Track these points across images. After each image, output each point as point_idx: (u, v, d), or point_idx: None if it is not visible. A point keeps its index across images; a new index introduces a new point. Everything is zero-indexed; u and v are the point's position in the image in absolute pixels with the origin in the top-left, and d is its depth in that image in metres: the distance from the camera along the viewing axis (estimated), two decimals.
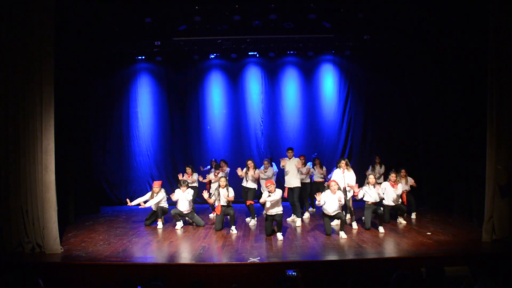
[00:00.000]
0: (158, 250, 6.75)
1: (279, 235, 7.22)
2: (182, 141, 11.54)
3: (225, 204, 7.86)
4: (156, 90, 11.62)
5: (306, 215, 9.07)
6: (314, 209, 9.75)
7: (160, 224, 8.39)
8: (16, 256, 6.36)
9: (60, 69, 7.62)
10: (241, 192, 8.88)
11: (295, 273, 4.22)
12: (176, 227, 8.21)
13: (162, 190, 8.56)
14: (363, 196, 7.87)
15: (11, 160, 6.51)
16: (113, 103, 11.54)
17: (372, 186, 7.80)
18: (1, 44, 6.50)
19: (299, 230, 7.97)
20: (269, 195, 7.18)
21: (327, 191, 7.41)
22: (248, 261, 5.89)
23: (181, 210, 8.30)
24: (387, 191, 8.11)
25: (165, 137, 11.57)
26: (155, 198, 8.35)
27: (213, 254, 6.46)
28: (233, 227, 7.79)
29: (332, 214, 7.41)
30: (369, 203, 7.81)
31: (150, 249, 6.84)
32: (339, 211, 7.42)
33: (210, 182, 9.52)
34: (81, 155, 9.84)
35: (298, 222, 8.34)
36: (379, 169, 9.94)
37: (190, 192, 8.33)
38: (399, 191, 8.14)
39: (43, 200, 6.53)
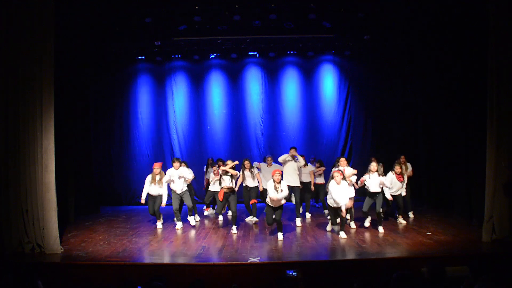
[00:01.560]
0: (158, 250, 6.75)
1: (279, 235, 7.21)
2: (182, 141, 11.53)
3: (228, 188, 7.83)
4: (156, 90, 11.61)
5: (307, 215, 9.06)
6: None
7: (159, 224, 8.39)
8: (16, 256, 6.36)
9: (60, 69, 7.62)
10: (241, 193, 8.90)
11: (295, 273, 4.22)
12: (176, 227, 8.21)
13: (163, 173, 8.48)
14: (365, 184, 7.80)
15: (11, 160, 6.51)
16: (113, 103, 11.54)
17: (374, 175, 7.68)
18: (1, 44, 6.50)
19: (299, 230, 7.97)
20: (275, 187, 7.04)
21: (332, 182, 7.31)
22: (248, 261, 5.89)
23: (175, 189, 8.23)
24: (393, 183, 8.00)
25: (165, 137, 11.56)
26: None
27: (213, 254, 6.46)
28: (234, 227, 7.78)
29: (337, 206, 7.25)
30: (370, 191, 7.73)
31: (150, 249, 6.84)
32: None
33: (208, 181, 9.45)
34: (81, 155, 9.84)
35: (298, 222, 8.34)
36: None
37: (185, 170, 8.26)
38: (405, 182, 8.20)
39: (43, 200, 6.53)
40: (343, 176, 7.34)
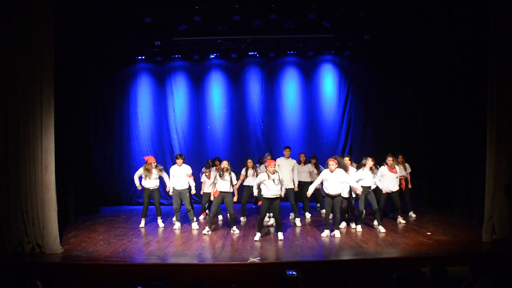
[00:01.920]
0: (158, 250, 6.75)
1: (280, 235, 7.20)
2: (182, 141, 11.53)
3: (225, 190, 7.69)
4: (156, 90, 11.61)
5: (307, 215, 9.05)
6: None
7: (161, 223, 8.40)
8: (16, 256, 6.36)
9: (60, 69, 7.62)
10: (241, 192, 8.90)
11: (295, 273, 4.21)
12: (174, 227, 8.21)
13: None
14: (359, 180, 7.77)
15: (11, 160, 6.50)
16: (113, 103, 11.53)
17: (368, 170, 7.70)
18: (1, 44, 6.50)
19: (299, 230, 7.97)
20: (268, 176, 7.04)
21: (326, 170, 7.34)
22: (248, 261, 5.89)
23: (175, 185, 8.16)
24: (385, 176, 8.01)
25: (165, 137, 11.56)
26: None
27: (213, 254, 6.46)
28: (234, 227, 7.77)
29: (332, 194, 7.27)
30: (364, 186, 7.71)
31: (150, 249, 6.84)
32: (340, 192, 7.31)
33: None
34: (81, 155, 9.85)
35: (298, 222, 8.33)
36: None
37: (188, 168, 8.23)
38: (398, 175, 8.08)
39: (43, 200, 6.53)
40: (338, 165, 7.33)
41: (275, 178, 7.07)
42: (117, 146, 11.51)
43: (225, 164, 7.71)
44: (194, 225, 8.20)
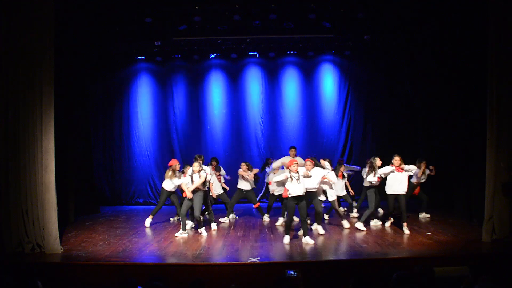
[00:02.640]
0: (158, 250, 6.75)
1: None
2: (182, 141, 11.53)
3: (199, 188, 7.59)
4: (156, 90, 11.62)
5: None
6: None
7: (190, 224, 8.23)
8: (16, 256, 6.36)
9: (60, 69, 7.62)
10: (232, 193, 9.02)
11: (295, 273, 4.22)
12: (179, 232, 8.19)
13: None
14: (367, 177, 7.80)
15: (11, 160, 6.50)
16: (113, 103, 11.54)
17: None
18: (1, 45, 6.49)
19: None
20: (292, 177, 6.88)
21: (303, 168, 7.28)
22: (248, 261, 5.89)
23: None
24: (393, 176, 7.60)
25: (165, 137, 11.56)
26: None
27: (213, 254, 6.47)
28: (202, 229, 7.68)
29: (300, 194, 6.96)
30: (369, 184, 7.77)
31: (150, 249, 6.84)
32: (304, 194, 7.04)
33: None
34: (81, 155, 9.84)
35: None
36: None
37: (203, 174, 7.86)
38: (405, 176, 7.61)
39: (43, 200, 6.53)
40: (314, 165, 7.39)
41: (296, 177, 6.88)
42: (117, 146, 11.51)
43: (195, 166, 7.59)
44: (214, 226, 8.17)
